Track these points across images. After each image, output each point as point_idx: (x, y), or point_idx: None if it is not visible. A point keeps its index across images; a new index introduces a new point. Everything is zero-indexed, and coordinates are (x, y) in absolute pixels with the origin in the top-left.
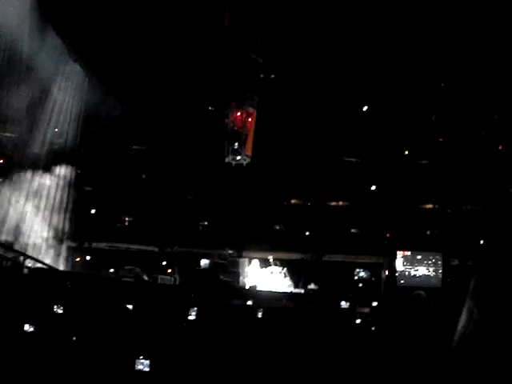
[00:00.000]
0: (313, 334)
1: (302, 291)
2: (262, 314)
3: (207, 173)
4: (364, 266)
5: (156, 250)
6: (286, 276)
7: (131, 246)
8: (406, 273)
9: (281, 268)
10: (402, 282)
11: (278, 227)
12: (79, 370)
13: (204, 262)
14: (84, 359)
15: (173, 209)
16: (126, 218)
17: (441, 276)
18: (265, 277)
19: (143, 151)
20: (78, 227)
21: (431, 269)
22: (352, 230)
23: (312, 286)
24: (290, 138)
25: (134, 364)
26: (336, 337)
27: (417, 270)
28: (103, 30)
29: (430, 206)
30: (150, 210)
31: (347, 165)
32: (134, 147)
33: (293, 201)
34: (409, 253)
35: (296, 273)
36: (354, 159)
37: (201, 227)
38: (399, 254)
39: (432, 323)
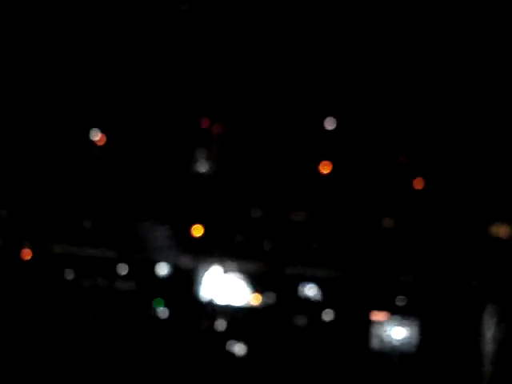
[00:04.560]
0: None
1: (261, 303)
2: (222, 327)
3: (170, 180)
4: (317, 281)
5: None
6: (244, 288)
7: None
8: (380, 337)
9: (239, 279)
10: (378, 347)
11: (237, 238)
12: None
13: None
14: None
15: (132, 215)
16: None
17: (417, 342)
18: (223, 288)
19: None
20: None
21: (407, 333)
22: (311, 243)
23: (269, 299)
24: (254, 148)
25: None
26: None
27: (391, 335)
28: None
29: (390, 221)
30: (108, 216)
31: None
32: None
33: (255, 211)
34: (385, 317)
35: (255, 285)
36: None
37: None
38: (375, 315)
39: None
